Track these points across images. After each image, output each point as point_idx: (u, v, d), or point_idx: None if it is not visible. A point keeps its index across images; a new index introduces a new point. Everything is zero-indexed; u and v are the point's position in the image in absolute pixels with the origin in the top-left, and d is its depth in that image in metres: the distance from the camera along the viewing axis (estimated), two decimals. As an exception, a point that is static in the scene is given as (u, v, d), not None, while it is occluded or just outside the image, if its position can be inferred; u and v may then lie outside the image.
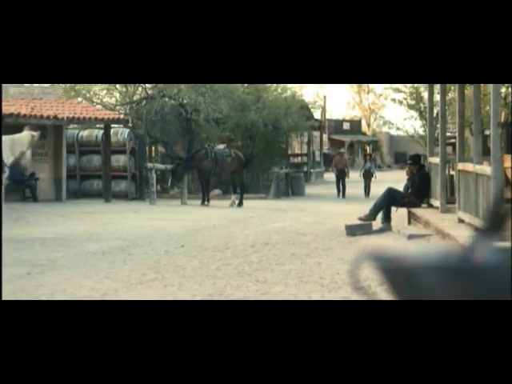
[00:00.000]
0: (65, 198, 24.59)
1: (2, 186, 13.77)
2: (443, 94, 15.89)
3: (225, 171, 24.63)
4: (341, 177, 29.00)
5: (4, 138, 14.17)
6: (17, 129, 23.98)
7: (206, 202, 23.58)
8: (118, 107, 31.07)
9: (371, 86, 73.21)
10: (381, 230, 14.19)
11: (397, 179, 17.40)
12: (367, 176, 29.00)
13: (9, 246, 11.77)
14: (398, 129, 52.20)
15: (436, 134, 21.14)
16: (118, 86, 31.47)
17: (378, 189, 16.45)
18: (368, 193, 28.20)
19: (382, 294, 2.42)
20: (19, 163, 13.55)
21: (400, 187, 15.54)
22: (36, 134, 14.24)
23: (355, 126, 67.99)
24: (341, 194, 28.68)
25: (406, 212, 15.09)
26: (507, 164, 14.69)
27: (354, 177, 30.59)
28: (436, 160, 15.22)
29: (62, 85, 26.86)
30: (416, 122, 47.15)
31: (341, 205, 23.80)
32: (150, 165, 25.46)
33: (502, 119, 24.23)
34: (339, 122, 65.78)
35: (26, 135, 13.97)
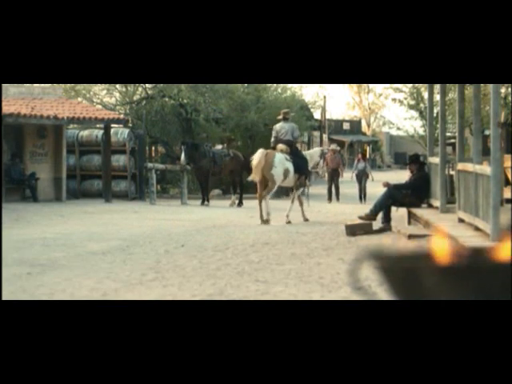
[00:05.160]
0: (65, 197, 24.59)
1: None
2: (443, 94, 15.90)
3: (223, 171, 24.63)
4: (333, 177, 25.82)
5: (305, 152, 18.96)
6: (17, 129, 24.08)
7: (205, 202, 23.61)
8: (118, 107, 31.10)
9: (371, 85, 73.33)
10: (381, 230, 14.19)
11: (397, 179, 17.39)
12: (361, 177, 25.98)
13: (9, 245, 11.77)
14: (398, 129, 52.20)
15: (436, 134, 21.15)
16: (117, 86, 31.51)
17: (378, 189, 16.45)
18: (364, 197, 25.32)
19: (382, 293, 2.42)
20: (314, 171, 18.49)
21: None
22: (323, 149, 19.54)
23: (355, 126, 68.04)
24: (333, 197, 25.67)
25: (406, 212, 15.10)
26: (507, 164, 14.70)
27: (350, 176, 29.83)
28: (436, 160, 15.22)
29: (62, 85, 26.87)
30: (416, 122, 47.20)
31: (340, 205, 23.80)
32: (150, 165, 25.47)
33: (502, 119, 24.24)
34: (339, 122, 65.83)
35: (319, 149, 19.28)
